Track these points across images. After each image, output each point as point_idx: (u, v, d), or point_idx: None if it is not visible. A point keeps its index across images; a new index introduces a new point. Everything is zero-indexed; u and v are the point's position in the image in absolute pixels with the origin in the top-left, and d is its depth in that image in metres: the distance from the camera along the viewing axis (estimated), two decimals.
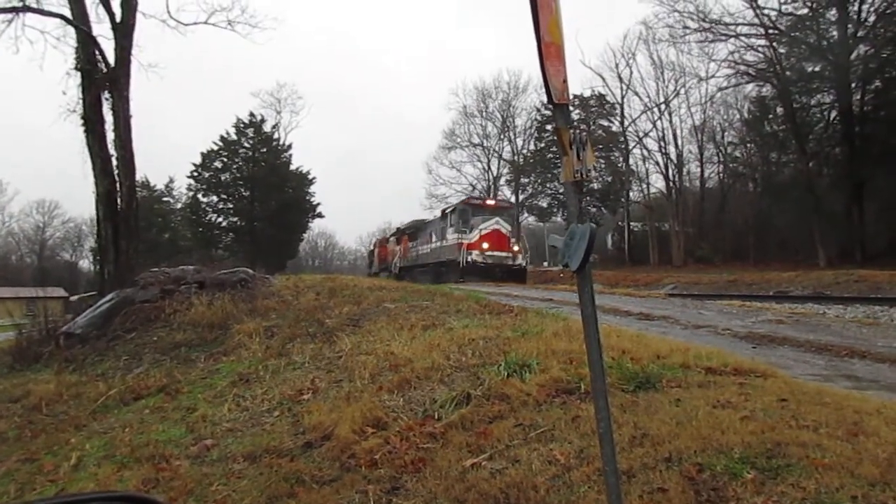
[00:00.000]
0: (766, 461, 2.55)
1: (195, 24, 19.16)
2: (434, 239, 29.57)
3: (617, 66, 46.66)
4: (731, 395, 3.46)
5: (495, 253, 24.57)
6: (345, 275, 24.96)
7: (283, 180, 52.96)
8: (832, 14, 31.96)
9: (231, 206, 53.92)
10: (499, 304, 8.32)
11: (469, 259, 24.19)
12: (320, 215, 58.15)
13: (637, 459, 2.81)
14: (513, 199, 49.85)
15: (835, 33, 31.77)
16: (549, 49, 2.02)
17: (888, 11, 30.16)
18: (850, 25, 31.04)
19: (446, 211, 29.09)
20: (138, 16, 16.27)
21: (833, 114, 33.95)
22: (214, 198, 53.88)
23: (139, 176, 19.90)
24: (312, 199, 56.44)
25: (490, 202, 29.69)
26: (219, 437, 4.97)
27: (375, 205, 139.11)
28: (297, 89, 72.25)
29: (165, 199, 62.24)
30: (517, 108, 55.23)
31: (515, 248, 25.45)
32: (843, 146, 33.06)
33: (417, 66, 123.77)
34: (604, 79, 47.96)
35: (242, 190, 53.77)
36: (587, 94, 49.97)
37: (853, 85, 31.81)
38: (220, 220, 54.42)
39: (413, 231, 35.28)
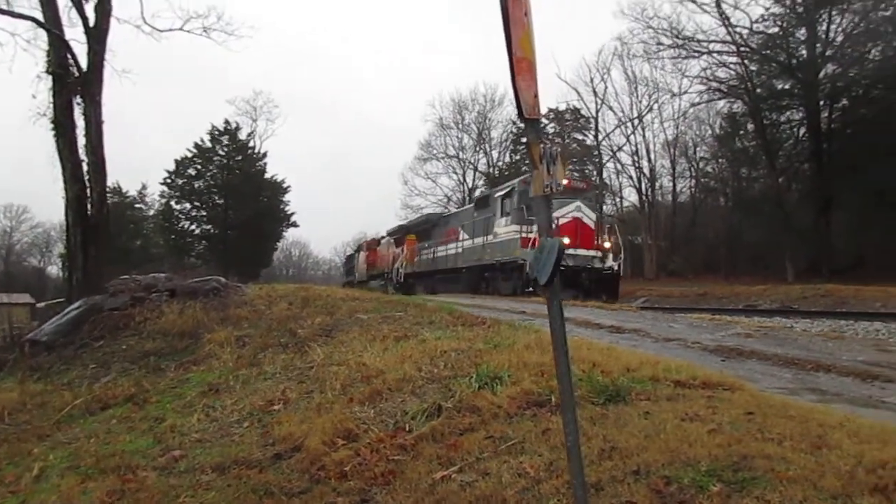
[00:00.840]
0: (733, 474, 2.58)
1: (170, 30, 19.08)
2: (467, 235, 23.45)
3: (592, 80, 47.16)
4: (699, 408, 3.50)
5: (579, 251, 18.18)
6: (319, 285, 24.76)
7: (258, 189, 52.61)
8: (801, 33, 32.68)
9: (204, 213, 53.40)
10: (472, 316, 8.33)
11: None
12: (295, 224, 57.90)
13: (606, 472, 2.82)
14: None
15: (804, 52, 32.47)
16: (521, 64, 2.04)
17: (854, 32, 30.92)
18: (818, 45, 31.76)
19: (492, 195, 22.22)
20: (112, 21, 16.14)
21: (802, 131, 34.63)
22: (188, 205, 53.32)
23: (111, 182, 19.68)
24: (287, 209, 56.17)
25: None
26: (187, 448, 4.90)
27: (350, 215, 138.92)
28: (273, 98, 71.97)
29: (138, 205, 61.50)
30: (493, 121, 55.66)
31: (606, 243, 18.97)
32: (811, 162, 33.72)
33: (398, 73, 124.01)
34: (579, 93, 48.45)
35: (216, 198, 53.30)
36: (562, 107, 50.46)
37: (821, 103, 32.50)
38: (193, 227, 53.87)
39: (425, 228, 29.25)
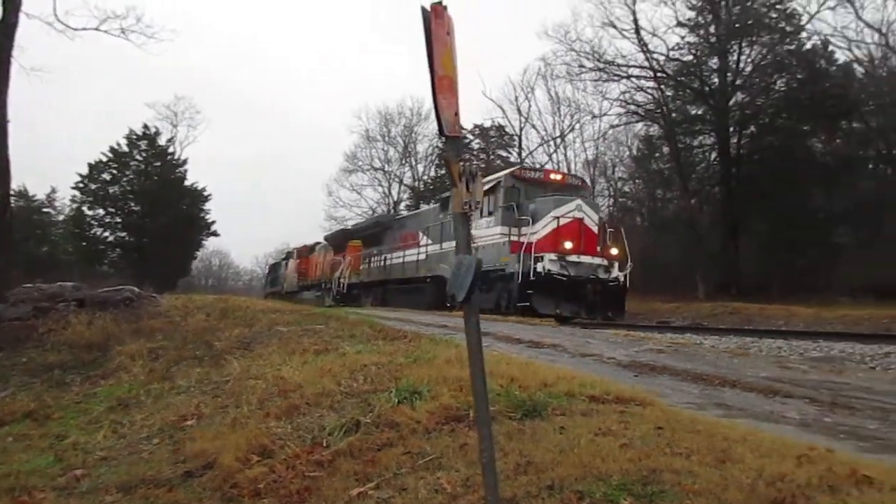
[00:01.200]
0: (642, 488, 2.65)
1: (85, 29, 18.33)
2: (430, 240, 20.71)
3: (516, 98, 48.07)
4: (612, 422, 3.59)
5: (583, 258, 15.72)
6: (239, 296, 24.15)
7: (177, 196, 50.96)
8: (714, 62, 34.32)
9: (119, 220, 51.21)
10: (393, 330, 8.31)
11: (539, 268, 15.08)
12: (215, 233, 56.38)
13: (521, 487, 2.85)
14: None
15: (716, 80, 34.10)
16: (442, 82, 2.07)
17: (762, 63, 32.75)
18: (729, 74, 33.44)
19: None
20: (21, 16, 15.35)
21: (713, 155, 36.28)
22: (101, 211, 50.98)
23: (16, 184, 18.65)
24: (208, 217, 54.65)
25: (555, 175, 19.23)
26: (91, 467, 4.69)
27: (273, 225, 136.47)
28: (195, 103, 69.94)
29: (46, 209, 58.37)
30: (419, 134, 55.96)
31: (613, 250, 16.67)
32: (721, 186, 35.29)
33: (325, 82, 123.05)
34: (503, 110, 49.27)
35: (132, 204, 51.25)
36: (488, 124, 51.19)
37: (731, 129, 34.16)
38: (106, 234, 51.55)
39: (374, 232, 26.41)
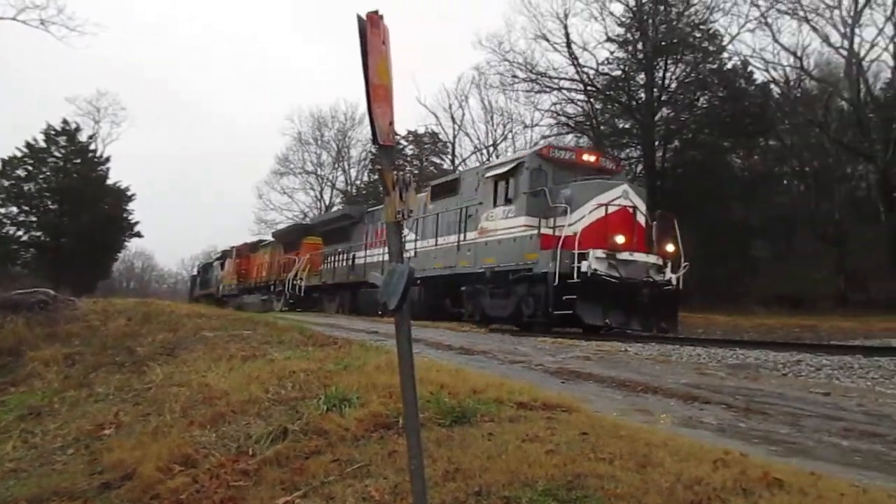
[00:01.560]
0: (567, 493, 2.71)
1: (1, 18, 17.48)
2: (417, 234, 17.91)
3: (450, 106, 48.40)
4: (539, 429, 3.65)
5: (636, 256, 12.90)
6: (163, 299, 23.40)
7: (99, 195, 48.98)
8: (641, 78, 35.45)
9: (35, 219, 48.76)
10: (323, 336, 8.23)
11: (583, 267, 12.17)
12: (138, 234, 54.47)
13: (449, 494, 2.87)
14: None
15: (643, 95, 35.23)
16: (378, 91, 2.07)
17: (686, 80, 34.09)
18: (655, 89, 34.63)
19: (476, 175, 16.20)
20: None
21: (640, 168, 37.39)
22: (14, 209, 48.44)
23: None
24: (131, 217, 52.73)
25: (588, 156, 15.57)
26: None
27: (200, 227, 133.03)
28: (119, 98, 67.51)
29: None
30: (353, 139, 55.77)
31: (669, 245, 13.47)
32: (647, 198, 36.33)
33: (255, 80, 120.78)
34: (437, 117, 49.52)
35: (49, 203, 48.91)
36: (421, 131, 51.35)
37: (656, 143, 35.34)
38: (20, 233, 49.03)
39: (339, 227, 23.39)
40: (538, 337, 11.61)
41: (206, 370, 6.34)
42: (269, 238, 33.57)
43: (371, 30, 2.07)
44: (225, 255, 39.70)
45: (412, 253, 18.12)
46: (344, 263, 22.89)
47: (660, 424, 4.25)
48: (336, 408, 4.28)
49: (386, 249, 17.17)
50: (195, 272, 53.97)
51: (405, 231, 16.28)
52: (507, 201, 14.55)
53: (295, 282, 25.26)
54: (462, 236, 16.09)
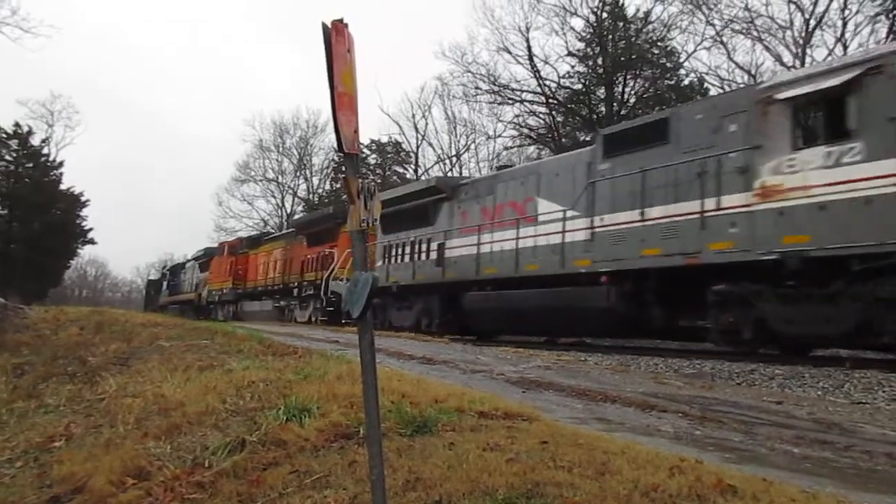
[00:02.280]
0: (526, 501, 2.72)
1: None
2: (588, 210, 12.13)
3: (413, 116, 48.42)
4: (499, 438, 3.66)
5: None
6: (116, 308, 22.84)
7: (50, 200, 47.76)
8: (601, 92, 35.98)
9: None
10: (283, 346, 8.13)
11: None
12: (92, 241, 53.27)
13: (409, 503, 2.86)
14: None
15: (603, 109, 35.75)
16: (342, 99, 2.07)
17: (644, 96, 34.73)
18: (615, 104, 35.18)
19: (766, 97, 9.47)
20: None
21: None
22: None
23: None
24: (84, 224, 51.50)
25: None
26: None
27: (156, 234, 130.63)
28: (74, 102, 66.04)
29: None
30: (315, 147, 55.32)
31: None
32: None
33: (214, 83, 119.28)
34: (401, 127, 49.46)
35: None
36: (384, 140, 51.27)
37: None
38: None
39: (418, 206, 17.00)
40: (500, 346, 11.65)
41: (162, 380, 6.22)
42: (289, 229, 27.96)
43: (336, 38, 2.07)
44: (209, 253, 34.03)
45: (581, 237, 12.16)
46: (425, 256, 16.60)
47: (618, 433, 4.30)
48: (295, 418, 4.23)
49: (505, 234, 13.70)
50: (157, 276, 49.23)
51: (552, 207, 12.66)
52: (839, 136, 8.75)
53: (334, 283, 18.86)
54: (712, 202, 10.06)
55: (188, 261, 40.55)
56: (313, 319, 20.72)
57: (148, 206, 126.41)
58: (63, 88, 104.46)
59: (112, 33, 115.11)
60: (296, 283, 22.81)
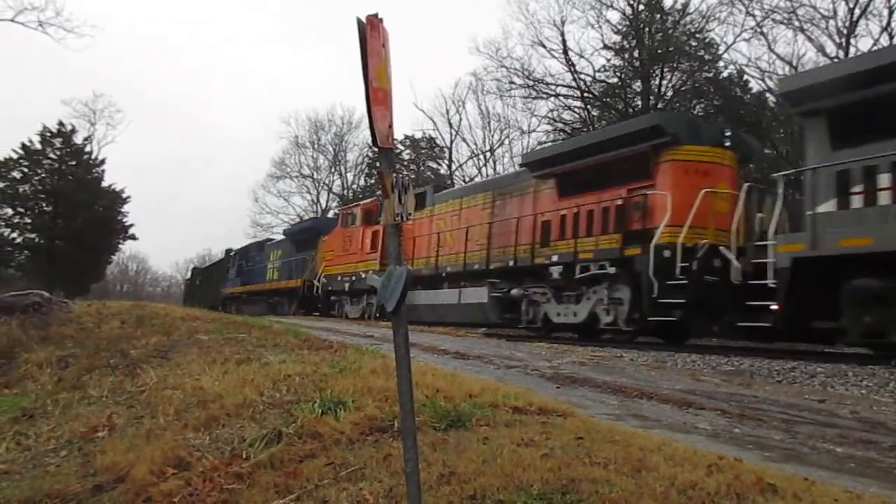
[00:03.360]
0: (562, 497, 2.71)
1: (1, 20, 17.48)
2: None
3: (447, 112, 48.41)
4: (534, 433, 3.65)
5: None
6: (157, 302, 23.23)
7: (93, 197, 48.77)
8: (637, 85, 35.53)
9: (29, 221, 48.55)
10: (318, 340, 8.21)
11: None
12: (133, 237, 54.16)
13: (444, 498, 2.86)
14: None
15: (639, 103, 35.29)
16: (377, 94, 2.08)
17: (682, 89, 34.17)
18: (651, 97, 34.69)
19: None
20: None
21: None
22: (9, 210, 48.21)
23: None
24: (125, 220, 52.53)
25: None
26: None
27: (195, 231, 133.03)
28: (115, 101, 67.40)
29: None
30: (349, 143, 55.65)
31: None
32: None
33: (251, 84, 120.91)
34: (435, 123, 49.51)
35: (44, 204, 48.69)
36: (419, 135, 51.36)
37: None
38: (14, 235, 48.78)
39: None
40: (534, 342, 11.61)
41: (200, 373, 6.32)
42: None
43: (371, 33, 2.08)
44: (315, 226, 26.52)
45: None
46: None
47: (654, 429, 4.25)
48: (331, 411, 4.26)
49: None
50: (227, 257, 37.00)
51: None
52: None
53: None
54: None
55: (267, 240, 33.76)
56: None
57: (186, 204, 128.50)
58: (104, 88, 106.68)
59: (153, 36, 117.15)
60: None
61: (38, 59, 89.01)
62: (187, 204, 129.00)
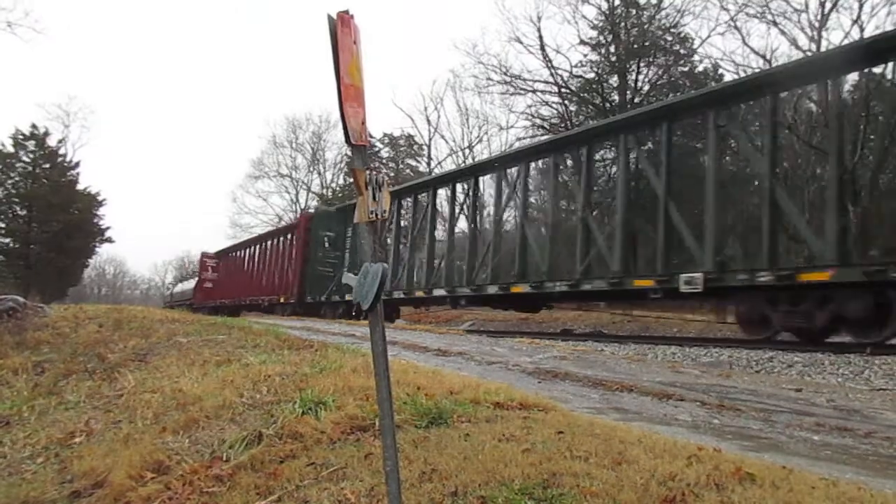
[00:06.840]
0: (543, 491, 2.71)
1: None
2: None
3: (426, 109, 48.46)
4: (515, 428, 3.65)
5: None
6: (135, 305, 23.01)
7: (68, 201, 48.11)
8: (614, 80, 35.74)
9: (3, 225, 47.86)
10: (299, 339, 8.15)
11: None
12: (109, 240, 53.61)
13: (425, 495, 2.86)
14: None
15: (616, 98, 35.50)
16: (349, 90, 2.06)
17: (658, 83, 34.43)
18: (628, 92, 34.91)
19: None
20: None
21: (614, 169, 37.41)
22: None
23: None
24: (101, 223, 51.92)
25: None
26: None
27: (173, 233, 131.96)
28: (89, 103, 66.63)
29: None
30: (328, 142, 55.50)
31: None
32: (620, 199, 36.28)
33: (231, 86, 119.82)
34: (413, 120, 49.71)
35: (18, 209, 48.02)
36: (397, 133, 51.30)
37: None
38: None
39: None
40: (515, 338, 11.64)
41: (179, 376, 6.26)
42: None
43: (341, 29, 2.06)
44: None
45: None
46: None
47: (635, 422, 4.28)
48: (311, 411, 4.24)
49: None
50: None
51: None
52: None
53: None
54: None
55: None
56: None
57: (163, 204, 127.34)
58: (80, 91, 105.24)
59: (127, 37, 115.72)
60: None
61: (9, 60, 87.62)
62: (165, 205, 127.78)
